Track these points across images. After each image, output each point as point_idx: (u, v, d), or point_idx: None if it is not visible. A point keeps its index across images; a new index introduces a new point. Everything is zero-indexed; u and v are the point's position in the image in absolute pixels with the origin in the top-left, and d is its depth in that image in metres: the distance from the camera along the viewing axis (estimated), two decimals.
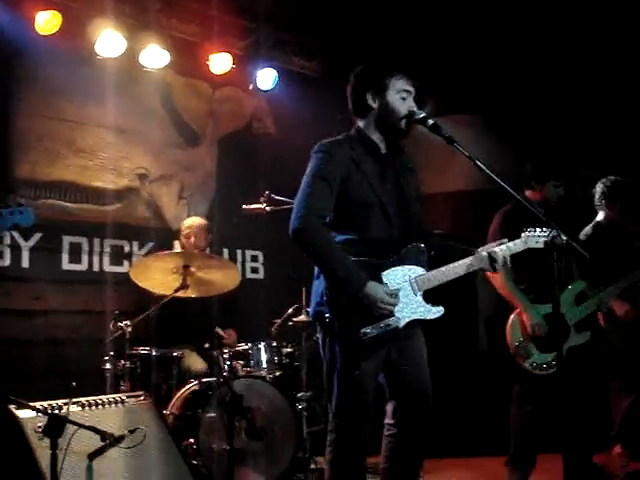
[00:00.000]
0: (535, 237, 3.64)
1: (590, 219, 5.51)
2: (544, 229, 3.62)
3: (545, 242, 3.46)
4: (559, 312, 3.46)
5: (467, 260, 3.52)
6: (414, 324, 3.46)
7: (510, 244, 3.63)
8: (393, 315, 3.33)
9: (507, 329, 4.83)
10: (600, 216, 5.49)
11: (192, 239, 5.84)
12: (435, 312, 3.46)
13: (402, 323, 3.37)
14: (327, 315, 3.30)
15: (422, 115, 3.44)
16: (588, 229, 5.44)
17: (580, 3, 6.07)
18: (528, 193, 5.09)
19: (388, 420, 3.52)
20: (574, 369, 4.60)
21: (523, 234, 3.66)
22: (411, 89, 3.51)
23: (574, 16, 6.23)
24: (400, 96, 3.48)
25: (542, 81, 6.86)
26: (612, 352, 5.42)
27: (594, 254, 5.15)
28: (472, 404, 6.44)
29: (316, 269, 3.44)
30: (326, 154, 3.45)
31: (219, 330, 5.51)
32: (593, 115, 6.83)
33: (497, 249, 3.56)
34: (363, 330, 3.26)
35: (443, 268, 3.49)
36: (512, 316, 4.84)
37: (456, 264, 3.50)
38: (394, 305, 3.31)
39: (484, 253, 3.53)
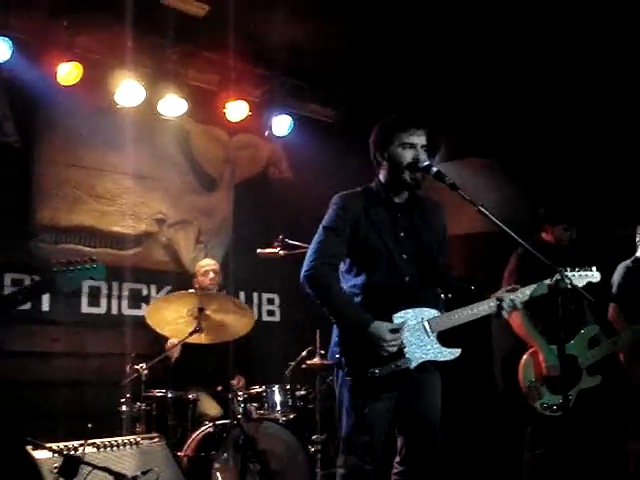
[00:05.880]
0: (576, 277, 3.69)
1: (617, 260, 5.52)
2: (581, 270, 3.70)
3: (549, 286, 3.48)
4: (564, 355, 3.46)
5: (478, 305, 3.56)
6: (429, 366, 3.51)
7: (529, 287, 3.61)
8: (404, 356, 3.39)
9: (520, 369, 4.86)
10: (639, 252, 5.48)
11: (211, 274, 5.94)
12: (449, 354, 3.49)
13: (413, 364, 3.42)
14: (337, 356, 3.46)
15: (426, 163, 3.52)
16: (628, 262, 5.44)
17: (594, 46, 6.12)
18: (543, 235, 5.18)
19: (396, 458, 3.57)
20: (586, 411, 4.63)
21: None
22: (417, 141, 3.60)
23: (587, 61, 6.28)
24: (403, 147, 3.58)
25: (558, 125, 6.90)
26: (629, 392, 5.40)
27: (632, 285, 5.19)
28: (487, 446, 6.42)
29: None
30: (338, 206, 3.63)
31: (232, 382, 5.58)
32: (608, 158, 6.86)
33: (506, 296, 3.57)
34: (371, 370, 3.33)
35: (457, 311, 3.54)
36: (525, 356, 4.88)
37: (468, 308, 3.54)
38: (397, 341, 3.37)
39: (494, 299, 3.56)
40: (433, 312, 3.53)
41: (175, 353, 5.47)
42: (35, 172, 6.26)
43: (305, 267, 3.54)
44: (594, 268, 3.80)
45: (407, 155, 3.57)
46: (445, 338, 3.54)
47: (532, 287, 3.62)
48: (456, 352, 3.50)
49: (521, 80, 6.64)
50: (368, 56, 6.68)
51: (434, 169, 3.50)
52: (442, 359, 3.49)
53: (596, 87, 6.39)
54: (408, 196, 3.70)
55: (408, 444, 3.53)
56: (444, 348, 3.49)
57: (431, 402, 3.58)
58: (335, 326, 3.55)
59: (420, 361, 3.44)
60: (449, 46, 6.44)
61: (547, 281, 3.55)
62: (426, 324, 3.49)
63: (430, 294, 3.60)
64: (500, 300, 3.54)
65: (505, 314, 3.55)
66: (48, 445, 3.73)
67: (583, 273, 3.76)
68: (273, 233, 5.46)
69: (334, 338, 3.55)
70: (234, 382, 5.53)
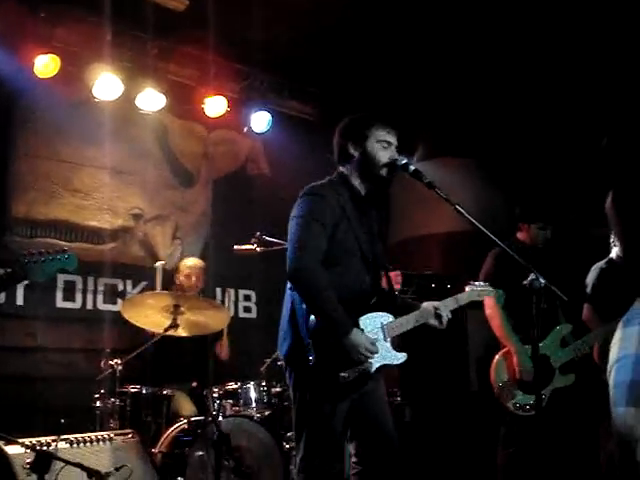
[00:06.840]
0: (477, 291, 3.81)
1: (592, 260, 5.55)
2: (485, 282, 3.86)
3: (524, 285, 3.49)
4: (538, 354, 3.49)
5: (417, 312, 3.60)
6: (380, 369, 3.50)
7: (455, 297, 3.73)
8: (366, 360, 3.38)
9: (492, 369, 4.88)
10: (613, 253, 5.50)
11: (193, 279, 5.94)
12: (400, 358, 3.54)
13: (374, 368, 3.42)
14: (311, 358, 3.30)
15: (404, 162, 3.53)
16: (602, 263, 5.47)
17: (569, 49, 6.16)
18: (519, 234, 5.20)
19: (353, 459, 3.56)
20: (559, 411, 4.65)
21: (467, 287, 3.79)
22: (392, 140, 3.60)
23: (562, 62, 6.33)
24: (381, 145, 3.57)
25: (534, 125, 6.95)
26: (602, 391, 5.43)
27: (606, 286, 5.21)
28: (461, 444, 6.44)
29: (286, 309, 3.51)
30: (318, 196, 3.50)
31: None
32: (585, 157, 6.90)
33: (440, 304, 3.63)
34: (342, 374, 3.31)
35: (405, 318, 3.57)
36: (497, 356, 4.90)
37: (413, 315, 3.59)
38: (374, 353, 3.37)
39: (430, 308, 3.62)
40: (390, 317, 3.55)
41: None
42: (11, 165, 6.20)
43: (293, 261, 3.36)
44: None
45: (385, 153, 3.57)
46: (420, 337, 3.57)
47: (462, 295, 3.77)
48: (404, 356, 3.55)
49: (497, 80, 6.69)
50: (347, 54, 6.70)
51: (412, 167, 3.51)
52: (396, 363, 3.53)
53: (572, 87, 6.44)
54: (370, 192, 3.66)
55: (364, 446, 3.53)
56: (396, 353, 3.53)
57: (383, 403, 3.62)
58: (292, 327, 3.41)
59: (378, 365, 3.44)
60: (427, 46, 6.47)
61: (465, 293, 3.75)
62: (385, 329, 3.51)
63: (388, 297, 3.62)
64: (437, 309, 3.61)
65: (444, 321, 3.61)
66: (20, 440, 3.70)
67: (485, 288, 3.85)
68: (251, 229, 5.45)
69: (291, 337, 3.42)
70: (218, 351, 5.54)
